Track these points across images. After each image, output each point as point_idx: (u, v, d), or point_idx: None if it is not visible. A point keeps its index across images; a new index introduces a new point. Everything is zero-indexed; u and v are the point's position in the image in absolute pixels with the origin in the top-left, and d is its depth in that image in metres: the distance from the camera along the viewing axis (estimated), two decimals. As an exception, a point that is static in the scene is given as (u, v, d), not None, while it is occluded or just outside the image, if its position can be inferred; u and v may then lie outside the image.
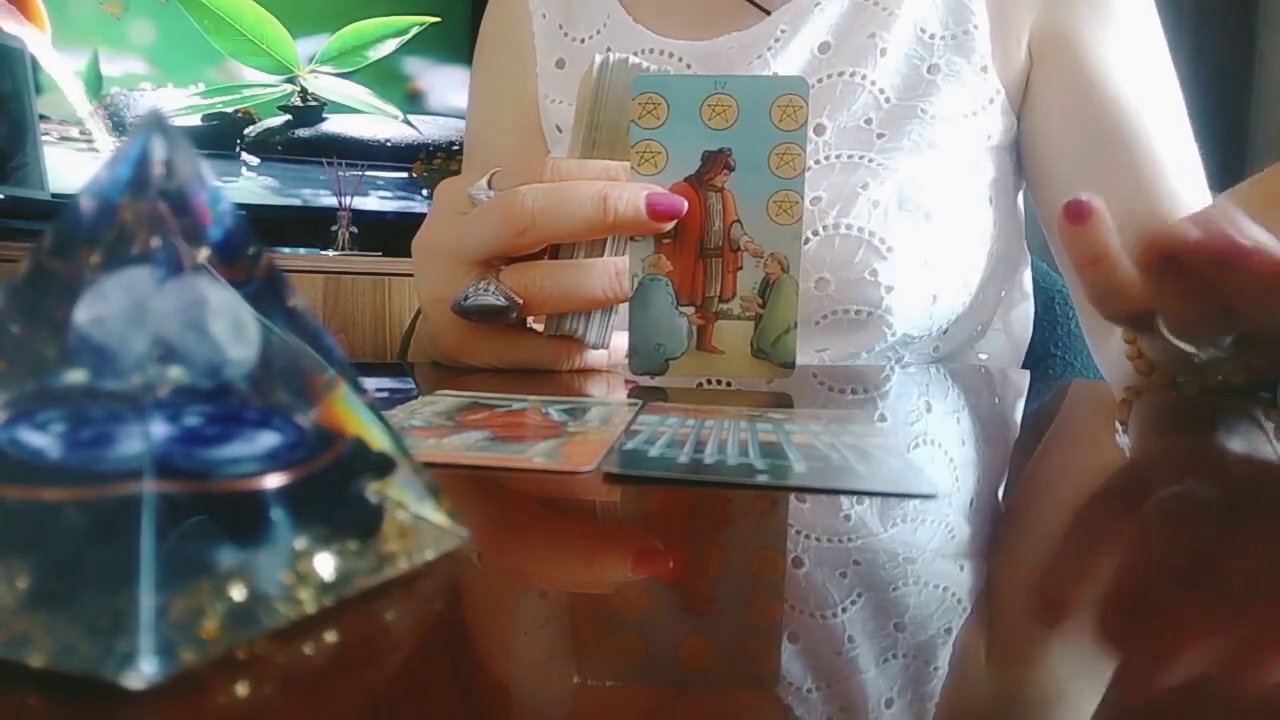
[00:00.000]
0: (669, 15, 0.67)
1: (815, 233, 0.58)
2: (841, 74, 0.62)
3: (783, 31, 0.62)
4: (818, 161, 0.60)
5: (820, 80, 0.62)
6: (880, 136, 0.60)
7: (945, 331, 0.63)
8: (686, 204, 0.41)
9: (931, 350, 0.64)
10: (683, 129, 0.41)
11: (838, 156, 0.60)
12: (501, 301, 0.42)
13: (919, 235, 0.59)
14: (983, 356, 0.68)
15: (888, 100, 0.61)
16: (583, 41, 0.69)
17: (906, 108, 0.61)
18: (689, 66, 0.65)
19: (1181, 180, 0.57)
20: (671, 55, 0.65)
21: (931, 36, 0.61)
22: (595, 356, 0.47)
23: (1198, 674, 0.13)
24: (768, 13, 0.64)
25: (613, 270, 0.43)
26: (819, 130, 0.61)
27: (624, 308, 0.43)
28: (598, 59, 0.43)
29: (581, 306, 0.44)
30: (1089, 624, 0.15)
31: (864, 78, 0.61)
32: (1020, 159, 0.66)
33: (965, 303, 0.62)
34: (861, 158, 0.60)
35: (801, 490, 0.22)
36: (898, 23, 0.61)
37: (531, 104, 0.72)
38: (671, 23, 0.66)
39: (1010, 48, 0.62)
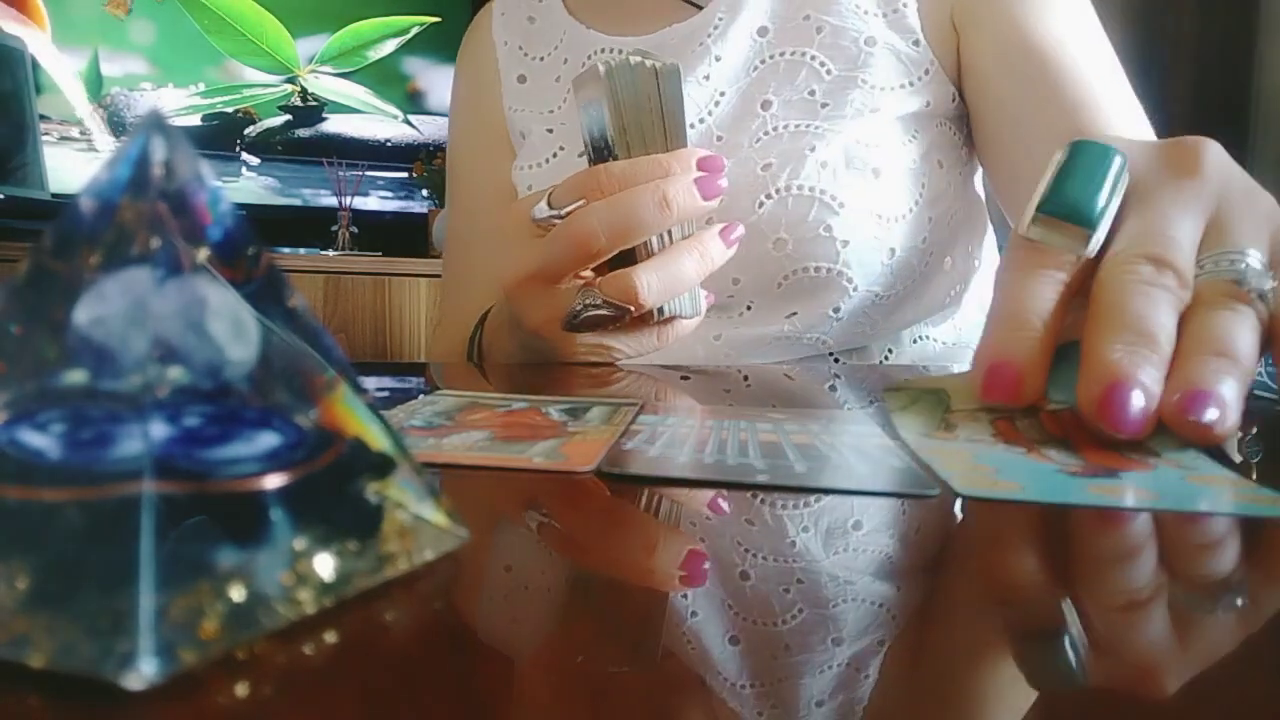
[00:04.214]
0: (615, 17, 0.72)
1: (769, 196, 0.61)
2: (783, 54, 0.65)
3: (721, 19, 0.66)
4: (767, 133, 0.63)
5: (763, 61, 0.65)
6: (824, 106, 0.63)
7: (919, 299, 0.64)
8: (725, 172, 0.45)
9: (905, 316, 0.65)
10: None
11: (785, 127, 0.63)
12: (610, 311, 0.46)
13: (869, 190, 0.61)
14: (960, 330, 0.69)
15: (829, 73, 0.64)
16: (542, 59, 0.75)
17: (848, 78, 0.63)
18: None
19: (1121, 120, 0.58)
20: (622, 51, 0.69)
21: (865, 12, 0.64)
22: (692, 323, 0.51)
23: (1197, 680, 0.13)
24: (699, 7, 0.67)
25: (698, 250, 0.46)
26: (765, 106, 0.64)
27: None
28: (601, 68, 0.44)
29: (683, 290, 0.47)
30: (1095, 623, 0.15)
31: (804, 54, 0.65)
32: (971, 135, 0.67)
33: (926, 262, 0.64)
34: (808, 126, 0.62)
35: (801, 490, 0.22)
36: (831, 2, 0.64)
37: (498, 120, 0.77)
38: (618, 22, 0.71)
39: (939, 21, 0.65)
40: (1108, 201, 0.32)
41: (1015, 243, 0.32)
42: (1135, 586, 0.17)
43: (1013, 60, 0.61)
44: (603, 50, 0.70)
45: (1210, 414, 0.25)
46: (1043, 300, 0.30)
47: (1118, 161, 0.33)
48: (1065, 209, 0.32)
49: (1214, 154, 0.34)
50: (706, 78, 0.65)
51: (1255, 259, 0.30)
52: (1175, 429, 0.26)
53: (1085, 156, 0.33)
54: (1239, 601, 0.16)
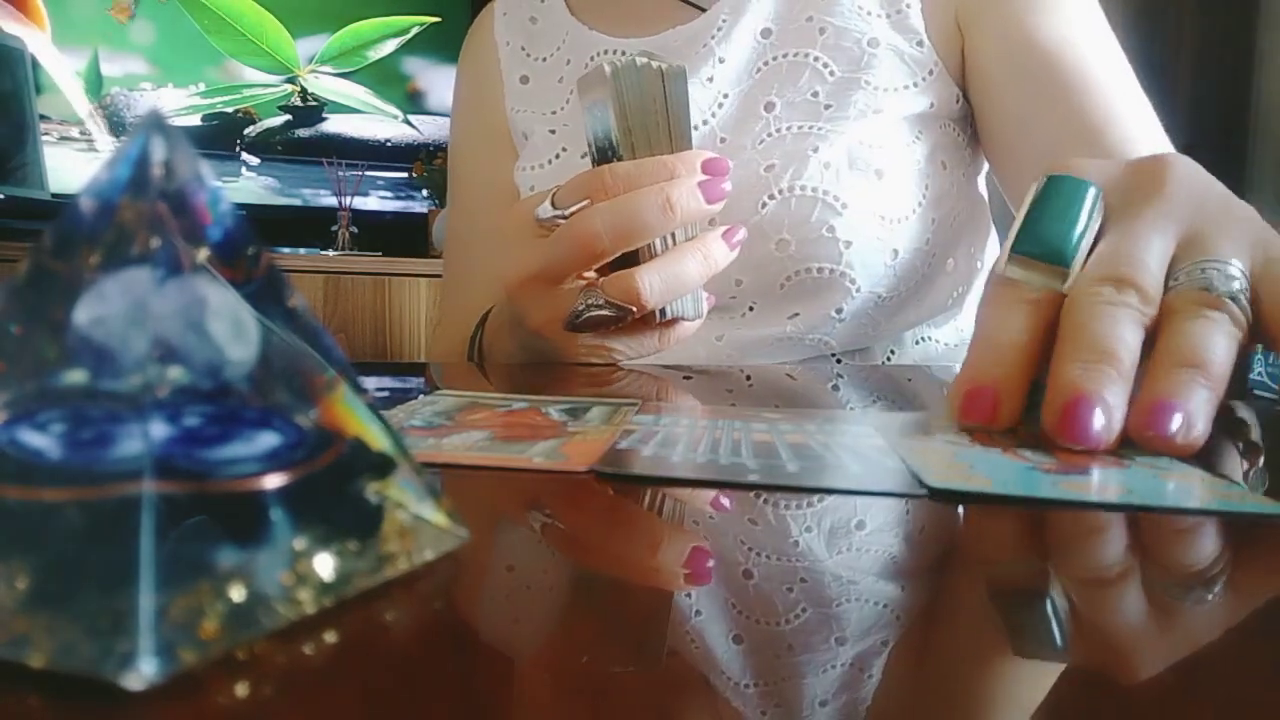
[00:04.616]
0: (618, 18, 0.72)
1: (771, 196, 0.61)
2: (786, 55, 0.65)
3: (724, 21, 0.66)
4: (770, 135, 0.63)
5: (766, 63, 0.65)
6: (828, 107, 0.63)
7: (921, 300, 0.64)
8: (729, 174, 0.45)
9: (908, 318, 0.65)
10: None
11: (788, 128, 0.63)
12: (613, 312, 0.46)
13: (872, 191, 0.61)
14: (963, 331, 0.69)
15: (832, 74, 0.64)
16: (544, 60, 0.75)
17: (851, 80, 0.63)
18: None
19: (1130, 119, 0.58)
20: (625, 53, 0.70)
21: (869, 13, 0.64)
22: (694, 325, 0.51)
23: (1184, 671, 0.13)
24: (702, 9, 0.67)
25: (701, 253, 0.46)
26: (769, 107, 0.64)
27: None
28: (607, 69, 0.44)
29: (685, 292, 0.47)
30: (1079, 618, 0.15)
31: (807, 55, 0.64)
32: (975, 135, 0.67)
33: (929, 263, 0.63)
34: (811, 127, 0.62)
35: (793, 490, 0.22)
36: (834, 4, 0.64)
37: (500, 120, 0.77)
38: (621, 24, 0.71)
39: (943, 23, 0.64)
40: (1081, 236, 0.32)
41: (993, 279, 0.33)
42: (1104, 581, 0.17)
43: (1019, 61, 0.61)
44: (606, 51, 0.70)
45: (1173, 424, 0.25)
46: (1019, 330, 0.30)
47: (1091, 194, 0.33)
48: (1040, 249, 0.32)
49: (1181, 170, 0.34)
50: (710, 79, 0.65)
51: (1235, 268, 0.30)
52: (1141, 443, 0.26)
53: (1058, 192, 0.33)
54: (1208, 595, 0.16)
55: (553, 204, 0.47)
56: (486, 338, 0.61)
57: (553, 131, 0.71)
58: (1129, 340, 0.28)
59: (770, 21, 0.66)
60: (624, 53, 0.68)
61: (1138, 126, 0.58)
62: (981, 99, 0.64)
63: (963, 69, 0.65)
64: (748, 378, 0.49)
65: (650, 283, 0.45)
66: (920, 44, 0.63)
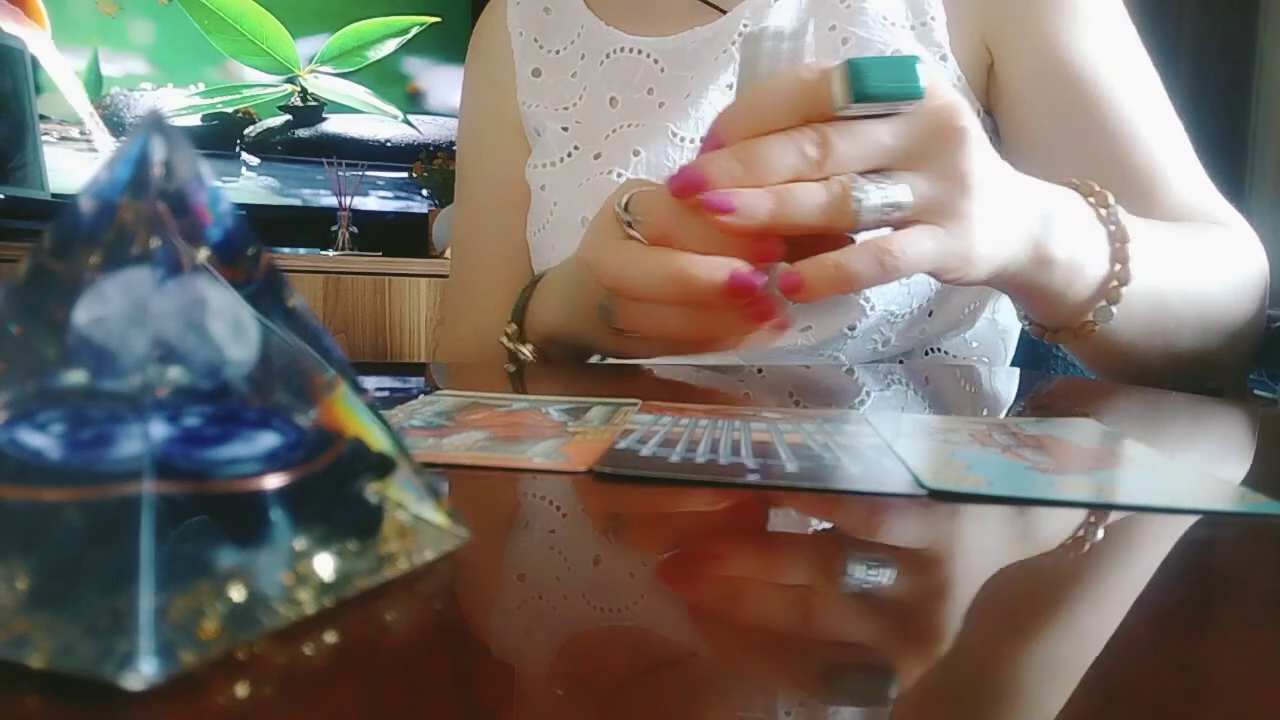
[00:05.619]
0: (637, 16, 0.71)
1: None
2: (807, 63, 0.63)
3: (745, 25, 0.65)
4: None
5: None
6: None
7: (931, 314, 0.64)
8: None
9: (919, 333, 0.64)
10: None
11: None
12: (617, 325, 0.44)
13: None
14: (974, 345, 0.69)
15: None
16: (557, 53, 0.73)
17: None
18: (656, 62, 0.68)
19: (1159, 143, 0.58)
20: (642, 52, 0.69)
21: (894, 24, 0.63)
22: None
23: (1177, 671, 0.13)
24: (724, 12, 0.66)
25: (705, 318, 0.41)
26: None
27: None
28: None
29: (661, 336, 0.44)
30: (1091, 622, 0.15)
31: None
32: (995, 147, 0.67)
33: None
34: None
35: (791, 490, 0.22)
36: (858, 14, 0.64)
37: (513, 114, 0.76)
38: (640, 22, 0.70)
39: (966, 38, 0.64)
40: None
41: None
42: (1103, 582, 0.17)
43: (1049, 84, 0.60)
44: (622, 49, 0.69)
45: None
46: None
47: None
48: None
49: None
50: (730, 86, 0.64)
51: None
52: None
53: None
54: (1207, 595, 0.16)
55: (625, 207, 0.44)
56: (544, 284, 0.58)
57: (565, 129, 0.69)
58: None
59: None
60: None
61: (1165, 154, 0.57)
62: (1009, 119, 0.63)
63: (987, 86, 0.64)
64: (759, 371, 0.49)
65: (634, 318, 0.43)
66: (944, 58, 0.63)
